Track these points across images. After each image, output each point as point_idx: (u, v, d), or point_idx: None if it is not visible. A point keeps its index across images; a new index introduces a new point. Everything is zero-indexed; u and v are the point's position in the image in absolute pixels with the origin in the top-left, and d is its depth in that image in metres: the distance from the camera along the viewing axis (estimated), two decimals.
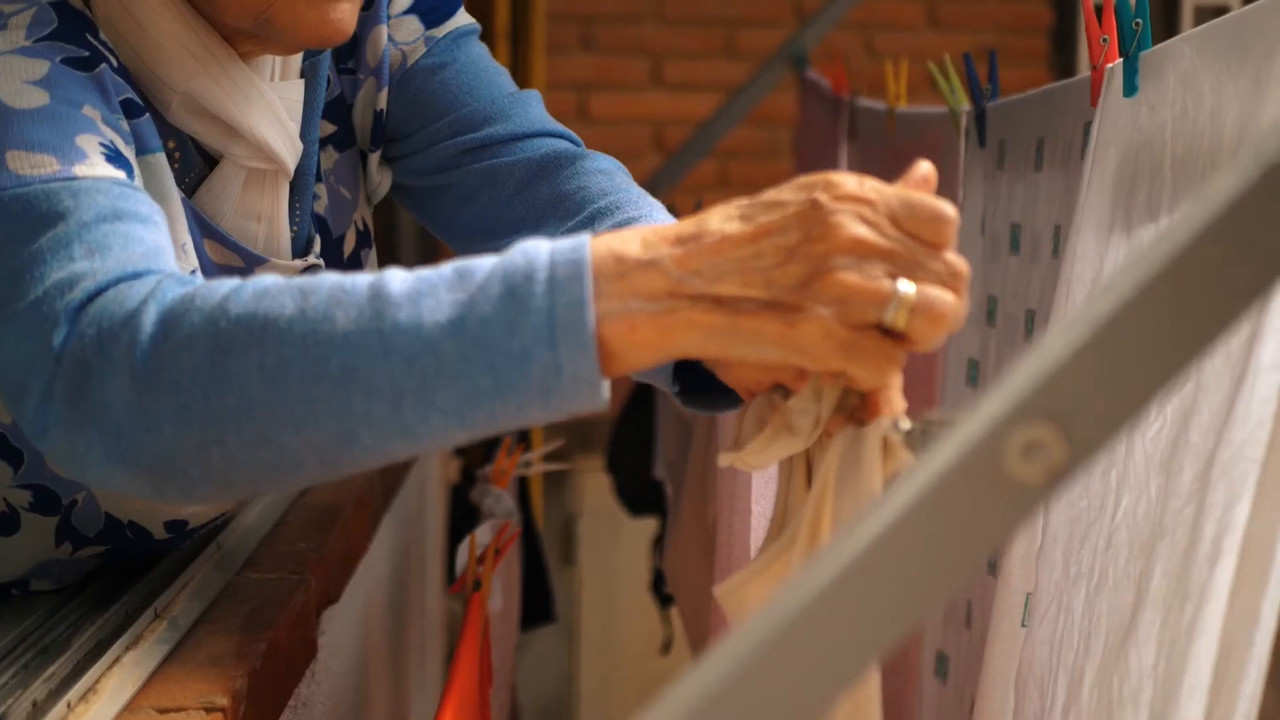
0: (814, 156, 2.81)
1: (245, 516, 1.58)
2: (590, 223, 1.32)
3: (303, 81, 1.36)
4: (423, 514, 2.50)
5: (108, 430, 0.98)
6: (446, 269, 0.95)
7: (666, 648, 3.07)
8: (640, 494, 3.12)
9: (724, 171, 4.38)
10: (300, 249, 1.39)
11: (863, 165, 2.39)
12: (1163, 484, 1.06)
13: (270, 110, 1.31)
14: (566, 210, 1.36)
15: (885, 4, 4.43)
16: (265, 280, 0.98)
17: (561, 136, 1.43)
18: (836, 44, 3.66)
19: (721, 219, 0.93)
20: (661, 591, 3.02)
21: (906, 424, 0.91)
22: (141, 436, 0.97)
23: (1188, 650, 0.97)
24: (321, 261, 1.39)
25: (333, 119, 1.42)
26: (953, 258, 0.92)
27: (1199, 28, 1.11)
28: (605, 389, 0.93)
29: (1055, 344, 0.61)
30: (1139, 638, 1.04)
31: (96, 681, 1.16)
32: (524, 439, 3.24)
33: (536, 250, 0.93)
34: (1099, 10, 1.22)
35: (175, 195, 1.24)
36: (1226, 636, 0.93)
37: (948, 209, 0.94)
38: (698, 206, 2.55)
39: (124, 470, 1.00)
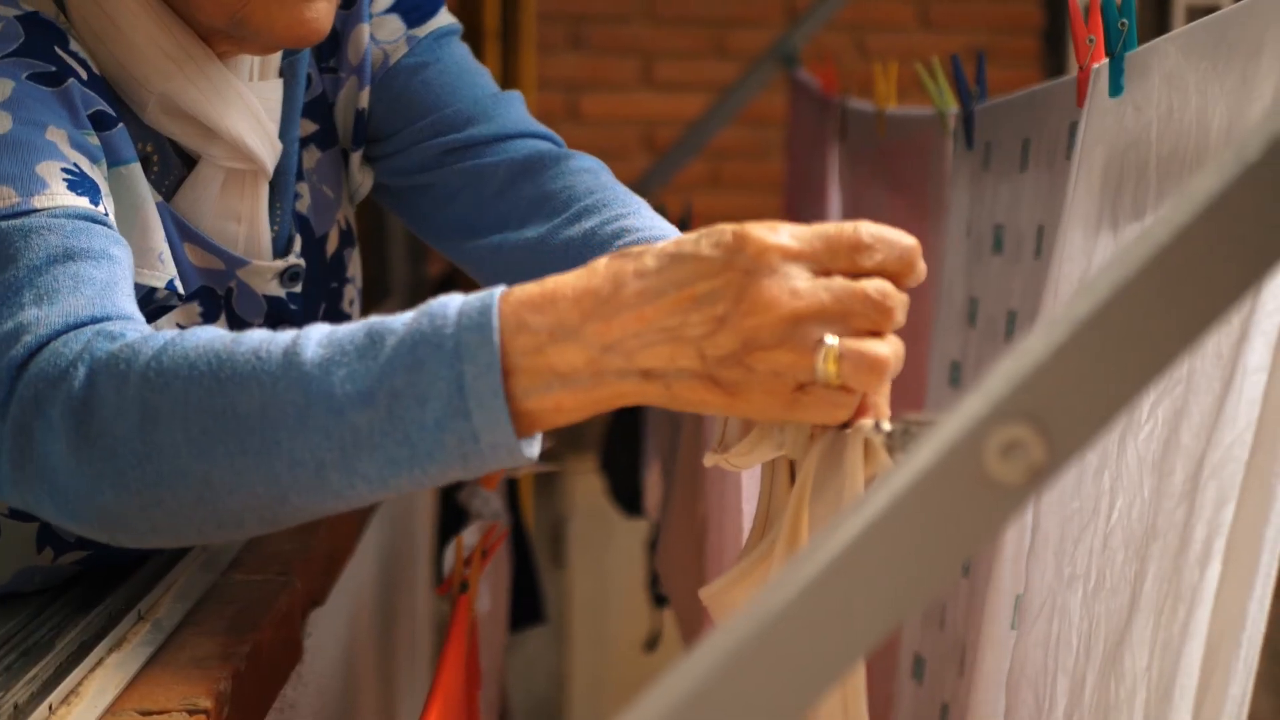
0: (805, 157, 2.81)
1: None
2: (576, 220, 1.32)
3: (281, 81, 1.36)
4: (410, 515, 2.49)
5: (55, 491, 1.00)
6: (359, 331, 0.94)
7: (652, 644, 3.07)
8: (634, 494, 3.12)
9: (715, 172, 4.38)
10: (281, 249, 1.38)
11: (852, 166, 2.39)
12: (1155, 485, 1.05)
13: (248, 110, 1.30)
14: (552, 208, 1.36)
15: (876, 4, 4.44)
16: (187, 343, 0.98)
17: (544, 137, 1.43)
18: (828, 44, 3.66)
19: (637, 277, 0.91)
20: (656, 591, 3.02)
21: (888, 425, 0.91)
22: (85, 498, 0.99)
23: (1180, 652, 0.97)
24: (302, 261, 1.38)
25: (314, 118, 1.42)
26: (878, 291, 0.90)
27: (1184, 27, 1.11)
28: (531, 446, 0.94)
29: (1034, 344, 0.61)
30: (1133, 640, 1.04)
31: (79, 684, 1.16)
32: None
33: (444, 314, 0.92)
34: (1086, 11, 1.21)
35: (150, 203, 1.23)
36: (1213, 638, 0.93)
37: (864, 232, 0.92)
38: (687, 209, 2.55)
39: (76, 524, 1.02)
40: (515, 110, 1.45)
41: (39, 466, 1.00)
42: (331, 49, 1.43)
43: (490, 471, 0.96)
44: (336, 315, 1.45)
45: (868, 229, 0.92)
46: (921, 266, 0.94)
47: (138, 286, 1.20)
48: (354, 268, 1.51)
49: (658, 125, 4.37)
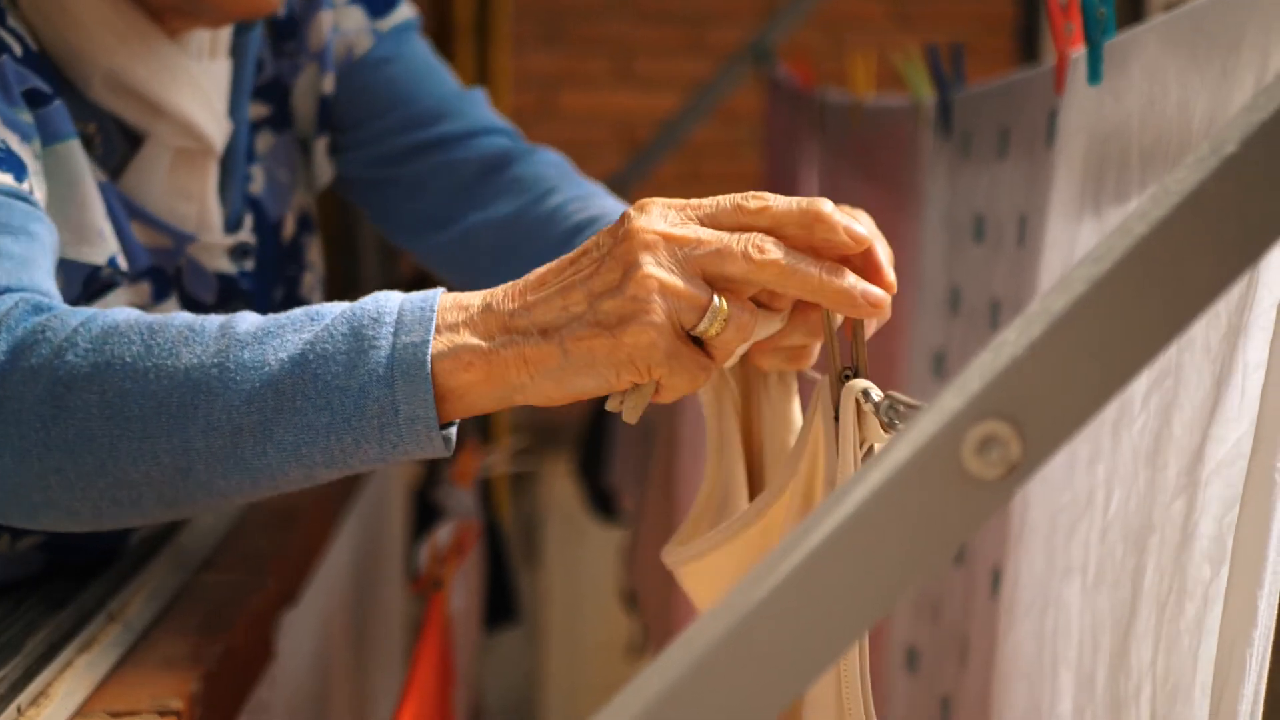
0: (782, 152, 2.81)
1: (202, 518, 1.57)
2: (545, 198, 1.34)
3: (230, 61, 1.35)
4: (384, 515, 2.48)
5: None
6: (298, 312, 0.96)
7: (634, 651, 3.07)
8: (608, 501, 3.11)
9: (693, 169, 4.37)
10: (232, 227, 1.37)
11: (830, 159, 2.38)
12: (1149, 478, 1.05)
13: (196, 88, 1.29)
14: (520, 190, 1.38)
15: (852, 2, 4.44)
16: (118, 315, 0.98)
17: (509, 134, 1.45)
18: (804, 42, 3.66)
19: (545, 268, 0.95)
20: (631, 599, 3.01)
21: (877, 395, 0.91)
22: None
23: (1197, 651, 0.97)
24: (253, 239, 1.37)
25: (268, 101, 1.41)
26: (760, 239, 0.91)
27: (1163, 16, 1.10)
28: (448, 436, 0.95)
29: (1011, 340, 0.60)
30: (1137, 634, 1.04)
31: (48, 685, 1.15)
32: (488, 439, 3.23)
33: (389, 297, 0.95)
34: None
35: (89, 180, 1.21)
36: (1225, 636, 0.93)
37: (750, 196, 0.93)
38: None
39: None
40: (480, 107, 1.47)
41: None
42: (289, 32, 1.42)
43: (404, 455, 0.95)
44: (295, 301, 1.43)
45: (756, 196, 0.94)
46: (832, 231, 0.93)
47: (79, 265, 1.19)
48: (314, 254, 1.50)
49: (634, 122, 4.37)
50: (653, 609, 2.37)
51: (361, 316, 0.93)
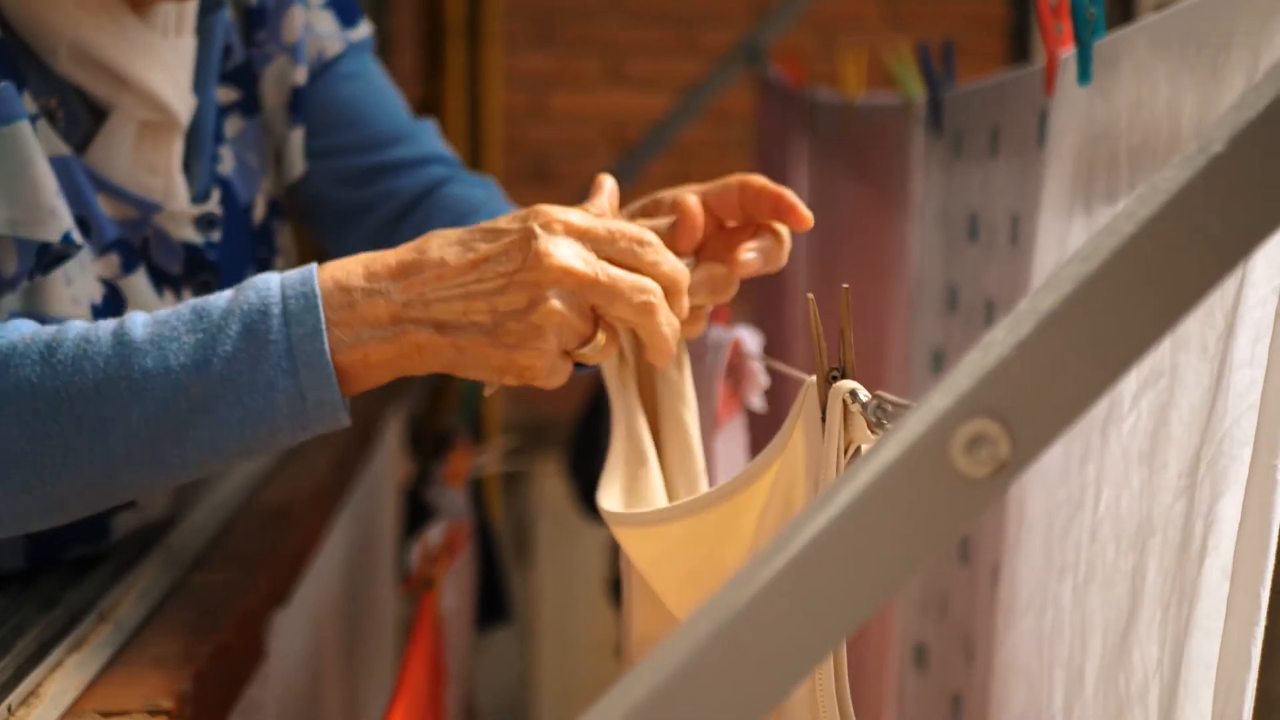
0: (773, 152, 2.81)
1: (193, 516, 1.56)
2: (465, 219, 1.36)
3: (195, 39, 1.36)
4: (375, 514, 2.48)
5: None
6: (184, 309, 1.04)
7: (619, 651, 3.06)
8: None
9: (684, 169, 4.37)
10: (198, 199, 1.37)
11: (821, 158, 2.39)
12: (1146, 478, 1.06)
13: (161, 62, 1.30)
14: (444, 210, 1.46)
15: (844, 2, 4.44)
16: (10, 334, 1.04)
17: (452, 164, 1.54)
18: (795, 42, 3.66)
19: (441, 246, 1.04)
20: (619, 595, 3.01)
21: (865, 395, 0.91)
22: None
23: (1187, 649, 0.97)
24: (220, 211, 1.38)
25: (236, 86, 1.42)
26: (643, 283, 1.04)
27: (1152, 17, 1.11)
28: (347, 408, 1.04)
29: (999, 338, 0.60)
30: (1140, 635, 1.04)
31: (39, 685, 1.14)
32: (479, 439, 3.23)
33: (268, 285, 1.03)
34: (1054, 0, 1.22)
35: (40, 161, 1.19)
36: (1229, 633, 0.93)
37: (647, 235, 1.06)
38: None
39: None
40: (432, 136, 1.55)
41: None
42: (259, 22, 1.43)
43: (313, 434, 1.04)
44: None
45: (653, 235, 1.06)
46: (684, 301, 1.08)
47: (29, 243, 1.20)
48: (285, 239, 1.52)
49: (625, 122, 4.37)
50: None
51: (250, 312, 1.01)
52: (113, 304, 1.27)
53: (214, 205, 1.37)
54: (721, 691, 0.61)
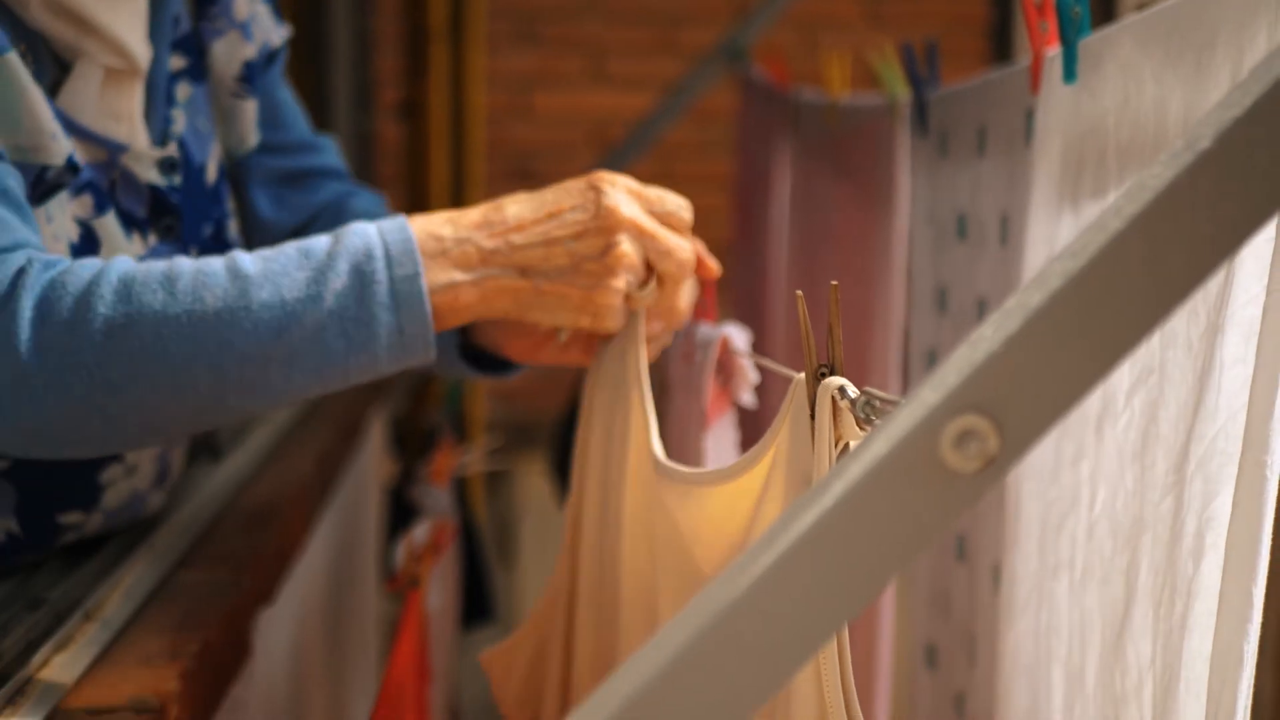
0: (755, 151, 2.81)
1: (179, 515, 1.56)
2: None
3: None
4: (360, 513, 2.48)
5: None
6: (288, 249, 1.15)
7: None
8: None
9: (667, 169, 4.38)
10: (158, 142, 1.41)
11: (804, 158, 2.39)
12: (1138, 475, 1.06)
13: (122, 9, 1.33)
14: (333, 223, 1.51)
15: (826, 2, 4.45)
16: (123, 266, 1.13)
17: (346, 178, 1.63)
18: (778, 41, 3.67)
19: (516, 203, 1.19)
20: None
21: (854, 392, 0.92)
22: (26, 410, 1.11)
23: (1181, 647, 0.97)
24: (180, 156, 1.42)
25: (185, 54, 1.47)
26: (684, 247, 1.21)
27: (1136, 15, 1.11)
28: (434, 343, 1.16)
29: (988, 334, 0.61)
30: (1134, 632, 1.05)
31: (26, 684, 1.15)
32: (463, 438, 3.23)
33: (367, 231, 1.15)
34: None
35: (34, 89, 1.24)
36: (1222, 631, 0.94)
37: (684, 202, 1.23)
38: None
39: (4, 436, 1.15)
40: (335, 148, 1.65)
41: None
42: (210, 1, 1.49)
43: (404, 366, 1.16)
44: (224, 242, 1.49)
45: (685, 201, 1.23)
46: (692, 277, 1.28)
47: (28, 167, 1.24)
48: (232, 204, 1.55)
49: (608, 122, 4.37)
50: None
51: (356, 254, 1.13)
52: (88, 244, 1.30)
53: (173, 150, 1.41)
54: (714, 685, 0.61)
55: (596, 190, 1.18)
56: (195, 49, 1.48)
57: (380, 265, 1.12)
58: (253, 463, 1.83)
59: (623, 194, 1.18)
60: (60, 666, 1.18)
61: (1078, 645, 1.13)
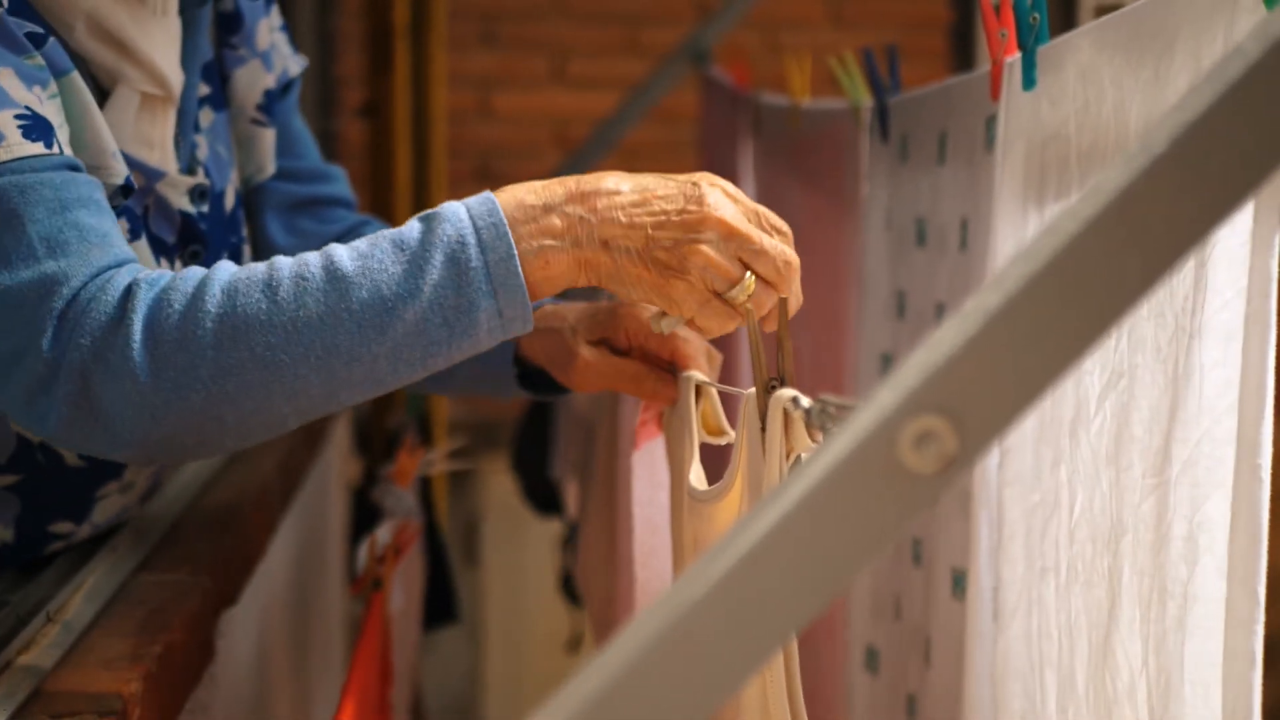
0: (717, 153, 2.81)
1: (141, 517, 1.56)
2: None
3: (181, 19, 1.41)
4: (324, 514, 2.48)
5: (112, 424, 1.14)
6: (381, 241, 1.16)
7: (575, 645, 3.06)
8: (547, 494, 3.10)
9: (627, 169, 4.36)
10: (186, 170, 1.43)
11: (766, 161, 2.39)
12: (1114, 478, 1.07)
13: (158, 37, 1.35)
14: None
15: (788, 2, 4.45)
16: (224, 274, 1.15)
17: (354, 206, 1.65)
18: (740, 41, 3.67)
19: (617, 179, 1.19)
20: (572, 591, 3.00)
21: (806, 401, 0.92)
22: (148, 425, 1.14)
23: (1182, 648, 0.98)
24: (209, 182, 1.43)
25: (207, 81, 1.47)
26: (788, 252, 1.19)
27: (1095, 22, 1.12)
28: (531, 319, 1.17)
29: (946, 336, 0.61)
30: (1122, 634, 1.05)
31: None
32: (427, 439, 3.23)
33: (457, 215, 1.15)
34: (998, 6, 1.22)
35: (96, 107, 1.27)
36: (1231, 626, 0.95)
37: (784, 225, 1.21)
38: None
39: (123, 451, 1.17)
40: (345, 178, 1.66)
41: (98, 405, 1.13)
42: (234, 27, 1.50)
43: (502, 340, 1.18)
44: None
45: (787, 228, 1.21)
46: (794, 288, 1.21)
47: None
48: (247, 231, 1.57)
49: (570, 122, 4.36)
50: (595, 604, 2.37)
51: (450, 243, 1.14)
52: None
53: (203, 178, 1.43)
54: (673, 687, 0.61)
55: (695, 185, 1.18)
56: (217, 76, 1.49)
57: (474, 251, 1.13)
58: (215, 465, 1.82)
59: (720, 194, 1.18)
60: (22, 670, 1.17)
61: (1067, 648, 1.14)
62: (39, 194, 1.17)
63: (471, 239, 1.13)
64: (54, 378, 1.14)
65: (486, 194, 1.17)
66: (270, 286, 1.13)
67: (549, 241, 1.15)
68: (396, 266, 1.13)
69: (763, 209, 1.20)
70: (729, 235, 1.16)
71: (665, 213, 1.16)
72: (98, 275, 1.16)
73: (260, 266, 1.16)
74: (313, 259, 1.15)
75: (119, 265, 1.17)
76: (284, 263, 1.16)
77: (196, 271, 1.17)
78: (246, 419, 1.16)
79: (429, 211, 1.17)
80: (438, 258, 1.13)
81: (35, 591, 1.33)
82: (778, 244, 1.18)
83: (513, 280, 1.14)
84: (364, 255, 1.15)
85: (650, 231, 1.16)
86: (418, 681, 2.47)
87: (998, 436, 0.61)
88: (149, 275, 1.16)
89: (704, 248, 1.15)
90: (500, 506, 3.91)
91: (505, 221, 1.15)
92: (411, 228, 1.16)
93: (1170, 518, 0.99)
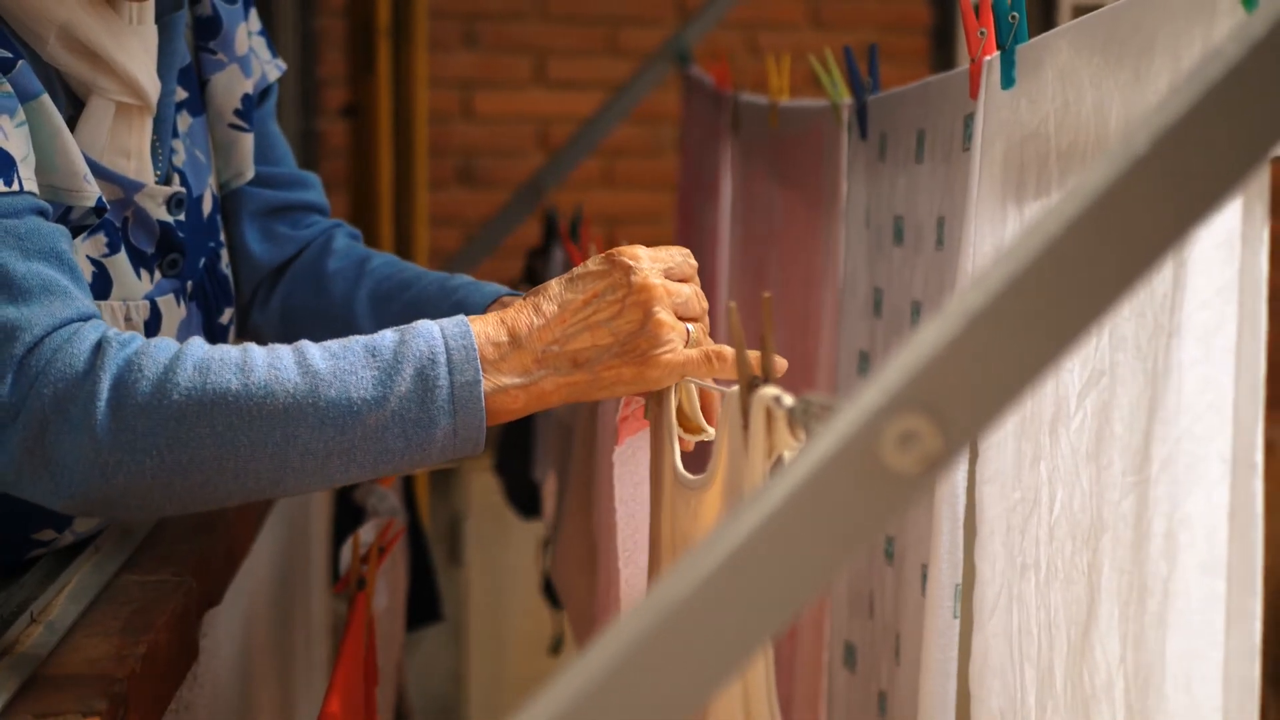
0: (698, 153, 2.82)
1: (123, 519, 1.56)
2: (401, 283, 1.51)
3: (156, 28, 1.40)
4: (307, 514, 2.48)
5: (62, 475, 1.15)
6: (354, 345, 1.19)
7: (556, 647, 3.06)
8: (530, 495, 3.11)
9: (609, 170, 4.38)
10: (164, 180, 1.43)
11: (746, 159, 2.40)
12: (1094, 476, 1.07)
13: (133, 46, 1.35)
14: (353, 274, 1.56)
15: (768, 2, 4.45)
16: (198, 350, 1.17)
17: (327, 211, 1.66)
18: (720, 42, 3.67)
19: (553, 297, 1.22)
20: (554, 594, 3.00)
21: (789, 400, 0.92)
22: (96, 482, 1.15)
23: (1163, 644, 0.98)
24: (185, 190, 1.44)
25: (185, 86, 1.48)
26: (700, 295, 1.26)
27: (1074, 21, 1.12)
28: (483, 443, 1.20)
29: (928, 336, 0.61)
30: (1100, 630, 1.06)
31: None
32: None
33: (431, 333, 1.19)
34: (977, 5, 1.23)
35: (66, 129, 1.27)
36: (1232, 616, 0.95)
37: (687, 252, 1.27)
38: (578, 209, 2.54)
39: (64, 503, 1.17)
40: (320, 185, 1.67)
41: (52, 455, 1.14)
42: (212, 32, 1.50)
43: (452, 459, 1.20)
44: (217, 274, 1.51)
45: (689, 259, 1.27)
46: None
47: (56, 208, 1.26)
48: (224, 235, 1.57)
49: (551, 123, 4.36)
50: (575, 606, 2.37)
51: (421, 358, 1.17)
52: (100, 282, 1.33)
53: (179, 186, 1.43)
54: (657, 685, 0.61)
55: (623, 269, 1.21)
56: (195, 80, 1.49)
57: (443, 371, 1.17)
58: None
59: (646, 264, 1.22)
60: (6, 671, 1.17)
61: (1046, 644, 1.14)
62: (2, 239, 1.17)
63: (442, 358, 1.17)
64: (11, 423, 1.15)
65: (461, 318, 1.21)
66: (243, 370, 1.16)
67: (515, 379, 1.20)
68: (367, 371, 1.17)
69: (665, 253, 1.25)
70: (665, 292, 1.21)
71: (615, 302, 1.21)
72: (62, 326, 1.17)
73: (234, 350, 1.18)
74: (285, 352, 1.18)
75: (83, 319, 1.19)
76: (257, 350, 1.18)
77: (169, 343, 1.18)
78: (192, 491, 1.17)
79: (403, 326, 1.21)
80: (408, 370, 1.17)
81: (19, 592, 1.33)
82: (684, 288, 1.24)
83: (474, 405, 1.17)
84: (336, 355, 1.17)
85: (613, 326, 1.20)
86: (402, 681, 2.47)
87: (980, 436, 0.62)
88: (120, 335, 1.17)
89: (662, 316, 1.20)
90: (484, 505, 3.91)
91: (476, 347, 1.18)
92: (385, 337, 1.19)
93: (1150, 515, 0.99)
